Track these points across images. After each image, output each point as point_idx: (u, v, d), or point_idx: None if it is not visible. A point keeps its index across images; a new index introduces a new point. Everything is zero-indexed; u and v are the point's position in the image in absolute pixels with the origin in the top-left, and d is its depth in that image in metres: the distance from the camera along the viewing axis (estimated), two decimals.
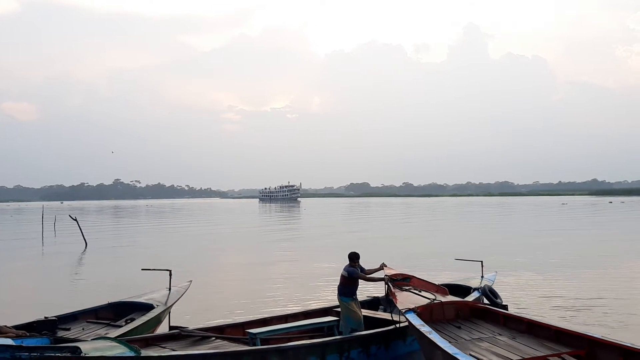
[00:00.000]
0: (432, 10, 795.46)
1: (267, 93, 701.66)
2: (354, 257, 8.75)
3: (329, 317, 8.95)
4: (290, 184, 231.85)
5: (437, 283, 10.79)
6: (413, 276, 8.77)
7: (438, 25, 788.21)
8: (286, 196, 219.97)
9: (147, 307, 9.32)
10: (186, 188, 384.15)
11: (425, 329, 6.69)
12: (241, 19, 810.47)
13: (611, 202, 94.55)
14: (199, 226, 46.94)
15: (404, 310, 7.33)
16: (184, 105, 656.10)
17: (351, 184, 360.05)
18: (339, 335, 8.31)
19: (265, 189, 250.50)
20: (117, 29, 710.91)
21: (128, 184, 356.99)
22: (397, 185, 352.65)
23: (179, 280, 10.93)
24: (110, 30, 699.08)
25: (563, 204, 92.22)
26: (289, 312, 9.58)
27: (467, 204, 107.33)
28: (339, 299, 8.70)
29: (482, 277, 11.05)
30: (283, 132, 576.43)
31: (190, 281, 11.08)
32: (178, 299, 10.05)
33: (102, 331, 8.34)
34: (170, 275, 10.28)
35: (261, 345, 7.46)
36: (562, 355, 6.20)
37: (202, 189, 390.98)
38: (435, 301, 7.89)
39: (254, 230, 41.67)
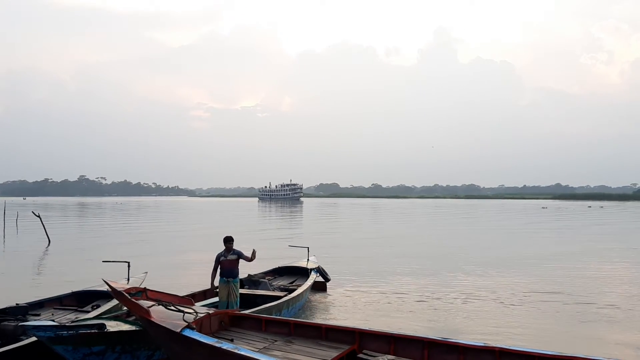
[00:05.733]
0: (403, 13, 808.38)
1: (238, 91, 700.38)
2: (231, 240, 9.89)
3: (216, 297, 10.09)
4: (293, 182, 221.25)
5: (278, 266, 13.71)
6: (146, 289, 8.56)
7: (409, 28, 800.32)
8: (287, 195, 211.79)
9: (109, 295, 9.79)
10: (153, 186, 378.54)
11: (228, 345, 6.14)
12: (211, 17, 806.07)
13: (590, 207, 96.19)
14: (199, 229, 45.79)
15: (179, 330, 6.42)
16: (151, 102, 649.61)
17: (320, 184, 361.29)
18: None
19: (265, 187, 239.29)
20: (83, 22, 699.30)
21: (93, 181, 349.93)
22: (366, 186, 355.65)
23: (135, 272, 11.61)
24: (76, 23, 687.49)
25: (543, 207, 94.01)
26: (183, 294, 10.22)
27: (435, 205, 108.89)
28: (229, 281, 9.71)
29: (308, 259, 14.03)
30: (253, 131, 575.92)
31: (146, 272, 11.89)
32: None
33: (71, 316, 8.83)
34: (129, 266, 11.09)
35: None
36: (363, 350, 6.59)
37: (170, 187, 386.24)
38: (201, 314, 7.32)
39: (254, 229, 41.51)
